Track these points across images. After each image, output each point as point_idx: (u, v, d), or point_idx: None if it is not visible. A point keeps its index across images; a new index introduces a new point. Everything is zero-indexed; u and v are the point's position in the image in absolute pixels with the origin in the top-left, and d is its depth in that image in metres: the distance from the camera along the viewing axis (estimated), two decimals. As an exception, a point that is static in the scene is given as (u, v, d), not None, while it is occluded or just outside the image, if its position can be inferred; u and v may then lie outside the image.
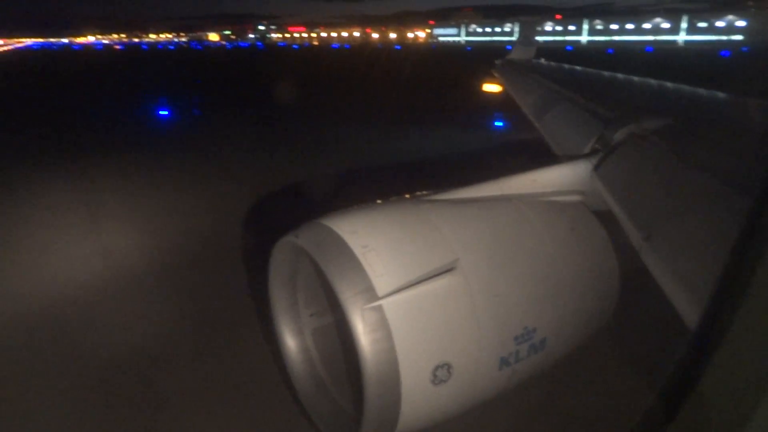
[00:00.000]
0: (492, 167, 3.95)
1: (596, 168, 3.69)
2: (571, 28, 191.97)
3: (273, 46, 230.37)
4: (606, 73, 9.23)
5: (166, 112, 29.64)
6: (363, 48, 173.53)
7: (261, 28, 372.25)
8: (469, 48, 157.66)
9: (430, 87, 42.31)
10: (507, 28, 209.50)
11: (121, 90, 44.89)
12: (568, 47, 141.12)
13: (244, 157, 19.59)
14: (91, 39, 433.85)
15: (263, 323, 6.86)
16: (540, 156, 4.71)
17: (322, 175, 16.11)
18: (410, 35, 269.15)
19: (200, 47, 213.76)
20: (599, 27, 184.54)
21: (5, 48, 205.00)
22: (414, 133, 23.62)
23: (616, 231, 3.19)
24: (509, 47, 18.11)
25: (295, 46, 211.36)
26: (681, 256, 2.38)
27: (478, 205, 3.26)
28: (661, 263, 2.40)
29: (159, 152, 20.40)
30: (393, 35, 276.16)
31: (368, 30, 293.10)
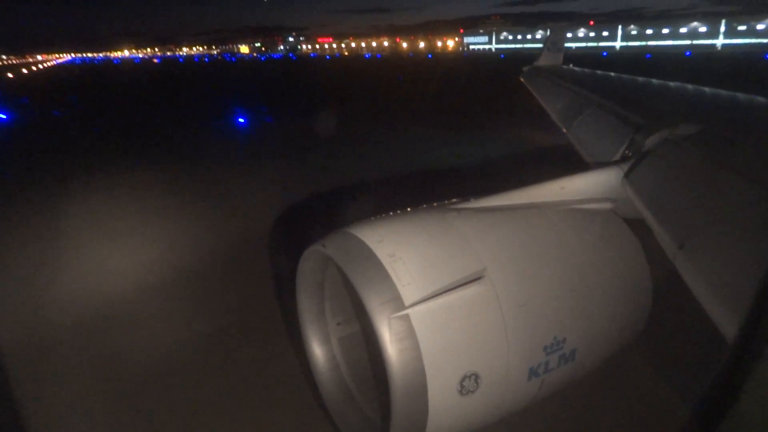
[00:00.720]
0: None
1: (627, 175, 3.60)
2: (605, 33, 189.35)
3: (306, 57, 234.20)
4: (637, 78, 8.93)
5: (243, 120, 31.20)
6: (396, 57, 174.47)
7: (290, 39, 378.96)
8: (502, 56, 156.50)
9: (483, 93, 42.03)
10: (539, 35, 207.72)
11: (190, 101, 46.51)
12: (604, 53, 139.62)
13: (345, 156, 20.78)
14: (126, 53, 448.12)
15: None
16: (568, 163, 4.60)
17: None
18: (439, 44, 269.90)
19: (234, 59, 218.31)
20: (634, 32, 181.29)
21: (50, 63, 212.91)
22: (500, 136, 23.55)
23: (649, 239, 3.11)
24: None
25: (327, 57, 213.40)
26: (717, 266, 2.29)
27: (506, 214, 3.20)
28: (696, 272, 2.32)
29: (274, 156, 21.46)
30: (422, 44, 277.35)
31: (398, 39, 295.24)
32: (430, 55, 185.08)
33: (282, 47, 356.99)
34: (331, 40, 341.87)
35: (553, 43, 16.40)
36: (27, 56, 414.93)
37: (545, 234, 3.17)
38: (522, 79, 13.28)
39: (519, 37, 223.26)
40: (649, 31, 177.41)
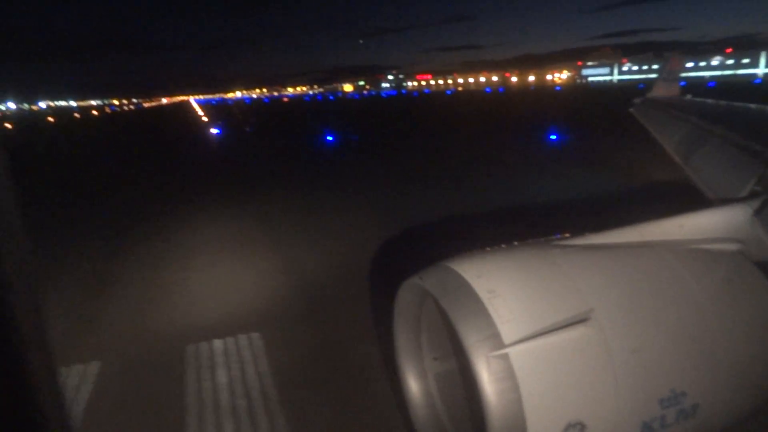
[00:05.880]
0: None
1: (757, 213, 3.31)
2: (745, 60, 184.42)
3: (421, 92, 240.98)
4: (765, 108, 8.05)
5: (555, 137, 36.85)
6: (523, 90, 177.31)
7: (390, 77, 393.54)
8: (641, 86, 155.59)
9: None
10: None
11: (478, 126, 51.12)
12: (757, 80, 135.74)
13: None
14: (237, 94, 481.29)
15: None
16: (687, 199, 4.39)
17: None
18: (549, 77, 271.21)
19: (357, 97, 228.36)
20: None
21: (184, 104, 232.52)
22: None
23: None
24: (683, 83, 17.28)
25: (447, 92, 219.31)
26: None
27: (616, 252, 3.04)
28: None
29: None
30: (531, 77, 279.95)
31: (507, 74, 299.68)
32: (558, 87, 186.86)
33: (385, 85, 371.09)
34: (430, 77, 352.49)
35: (669, 73, 15.52)
36: (153, 99, 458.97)
37: (661, 275, 2.96)
38: (633, 112, 12.56)
39: (645, 67, 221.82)
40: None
